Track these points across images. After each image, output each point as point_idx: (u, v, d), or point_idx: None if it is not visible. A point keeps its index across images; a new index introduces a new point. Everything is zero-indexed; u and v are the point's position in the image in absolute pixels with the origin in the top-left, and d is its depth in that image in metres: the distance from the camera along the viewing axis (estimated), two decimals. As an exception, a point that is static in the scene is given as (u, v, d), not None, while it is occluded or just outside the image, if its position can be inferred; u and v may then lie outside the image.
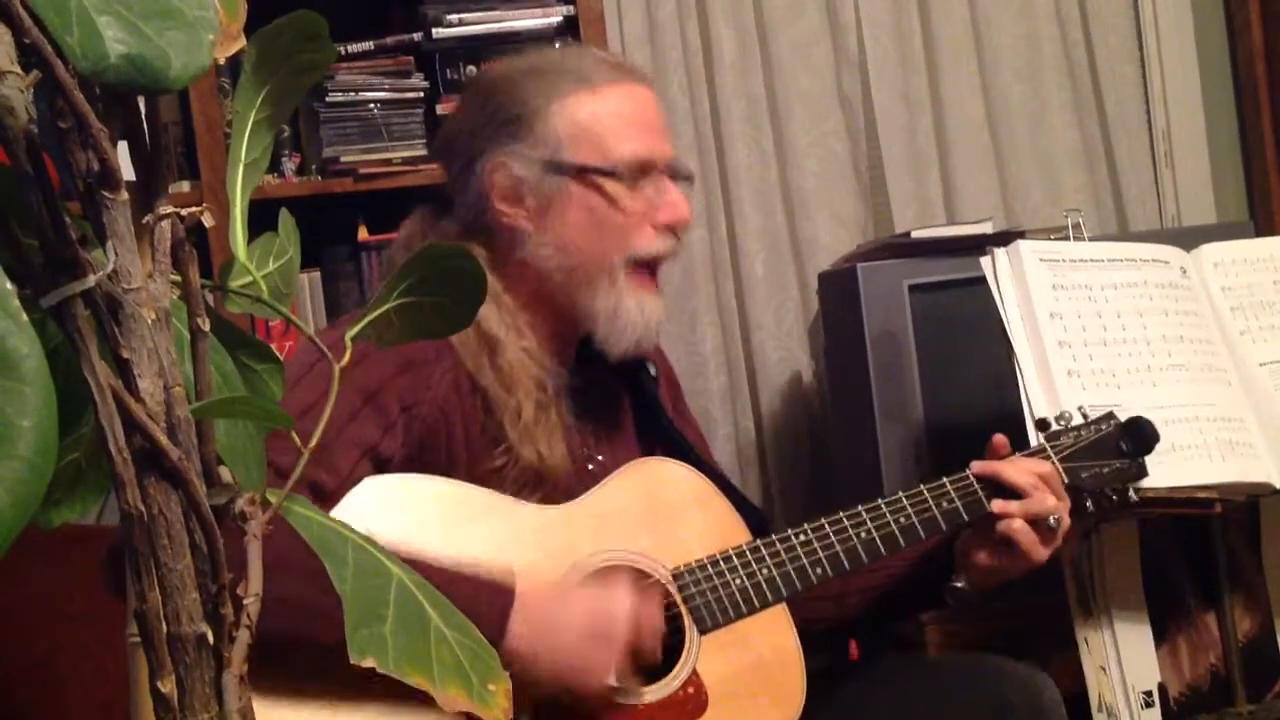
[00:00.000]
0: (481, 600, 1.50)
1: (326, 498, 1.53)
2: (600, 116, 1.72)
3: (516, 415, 1.66)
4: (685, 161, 1.86)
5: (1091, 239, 2.08)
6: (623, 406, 1.86)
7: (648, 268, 1.75)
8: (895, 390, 2.24)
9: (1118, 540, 2.01)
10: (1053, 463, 1.77)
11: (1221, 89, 3.07)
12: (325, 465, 1.54)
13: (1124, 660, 1.99)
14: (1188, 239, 2.12)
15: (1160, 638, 2.03)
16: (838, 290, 2.37)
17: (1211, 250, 2.08)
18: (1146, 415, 1.82)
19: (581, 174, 1.71)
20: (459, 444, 1.66)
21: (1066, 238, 2.06)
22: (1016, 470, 1.74)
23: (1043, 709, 1.72)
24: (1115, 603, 2.00)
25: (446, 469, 1.64)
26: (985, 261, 1.96)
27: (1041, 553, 1.73)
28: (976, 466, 1.76)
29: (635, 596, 1.57)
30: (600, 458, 1.77)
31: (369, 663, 0.66)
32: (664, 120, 1.82)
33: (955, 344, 2.24)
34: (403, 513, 1.58)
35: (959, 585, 1.80)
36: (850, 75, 2.84)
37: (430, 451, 1.64)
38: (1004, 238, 2.07)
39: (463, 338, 1.67)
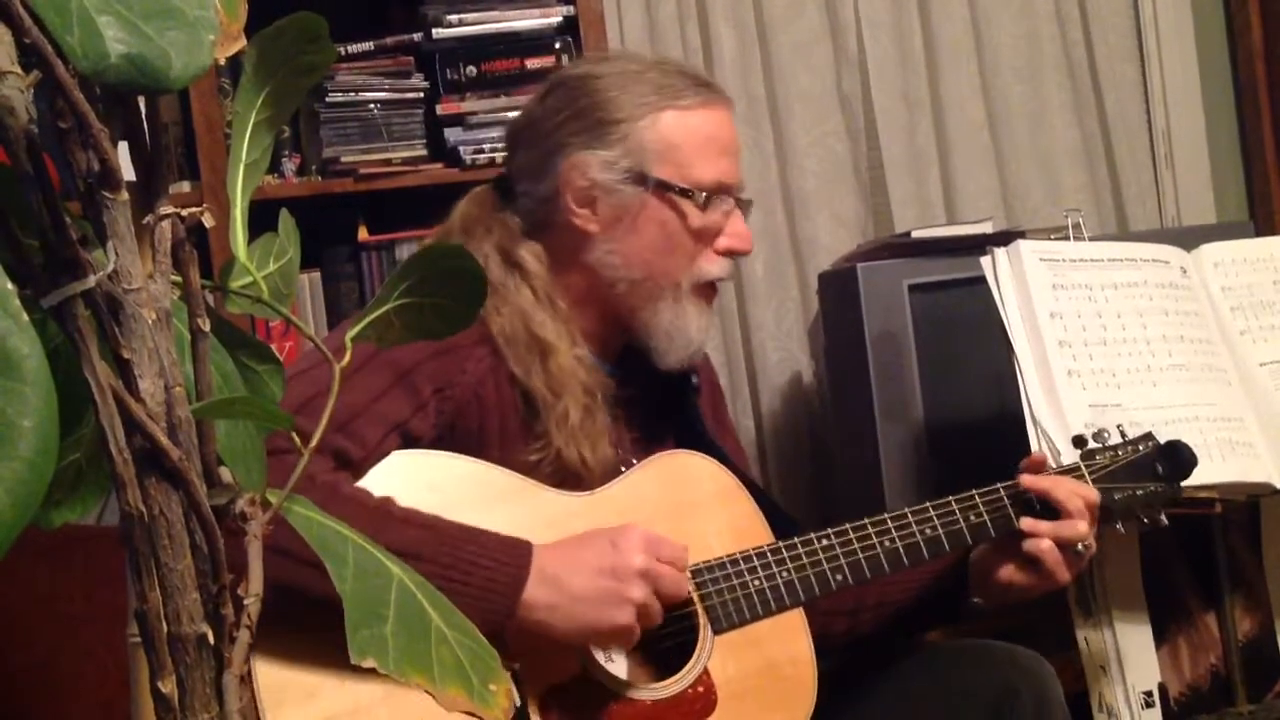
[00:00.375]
0: (501, 551, 1.50)
1: (354, 466, 1.54)
2: (689, 136, 1.73)
3: (564, 418, 1.67)
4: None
5: (1091, 239, 2.08)
6: (663, 414, 1.86)
7: (710, 288, 1.77)
8: (895, 390, 2.24)
9: (1118, 540, 2.01)
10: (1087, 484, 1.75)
11: (1221, 89, 3.07)
12: (352, 435, 1.55)
13: (1124, 660, 1.99)
14: (1188, 239, 2.12)
15: (1160, 638, 2.03)
16: (838, 290, 2.37)
17: (1211, 250, 2.08)
18: (1147, 415, 1.82)
19: (661, 189, 1.72)
20: (492, 432, 1.67)
21: (1066, 238, 2.06)
22: (1066, 492, 1.72)
23: (1047, 695, 1.72)
24: (1116, 603, 2.00)
25: (476, 452, 1.63)
26: (985, 261, 1.96)
27: (1065, 576, 1.72)
28: (1027, 480, 1.74)
29: (647, 535, 1.57)
30: (634, 462, 1.76)
31: (370, 663, 0.66)
32: (738, 145, 1.82)
33: (955, 344, 2.24)
34: (426, 488, 1.58)
35: (977, 601, 1.79)
36: (850, 75, 2.84)
37: (461, 434, 1.64)
38: (1004, 237, 2.07)
39: (510, 336, 1.68)
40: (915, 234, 2.35)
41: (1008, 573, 1.74)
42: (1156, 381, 1.93)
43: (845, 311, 2.31)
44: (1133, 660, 1.99)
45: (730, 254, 1.77)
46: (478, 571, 1.49)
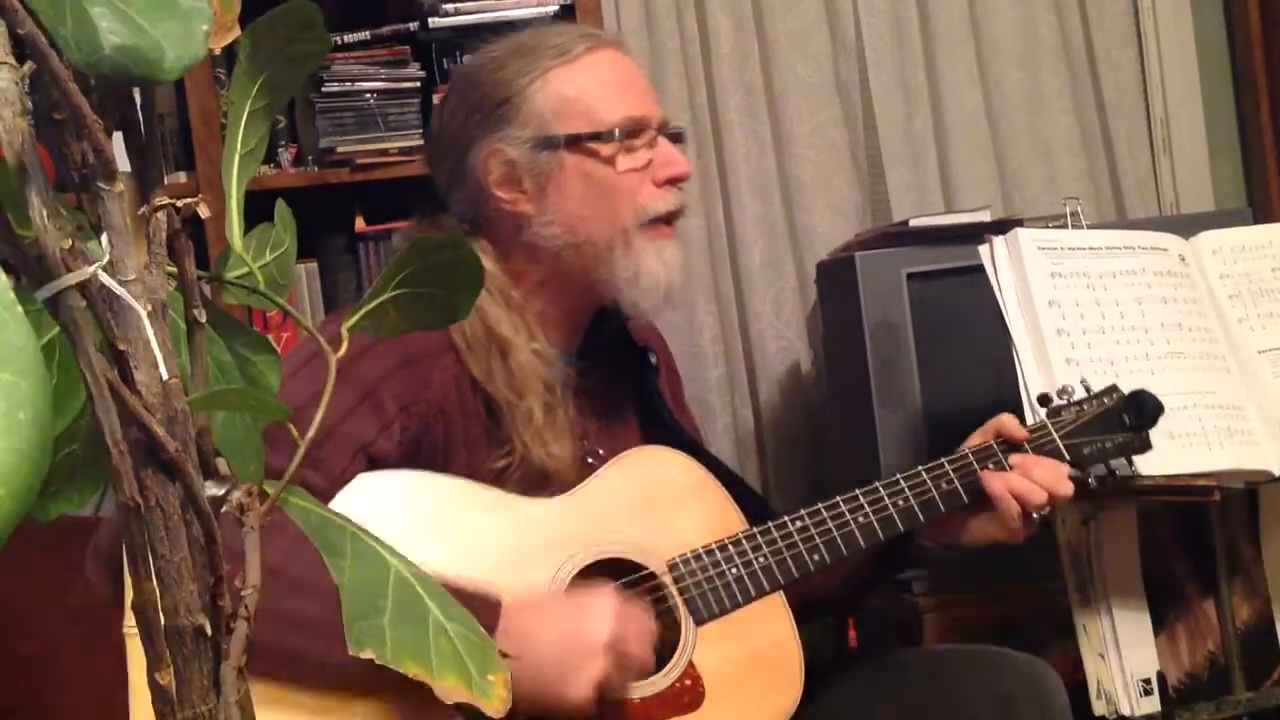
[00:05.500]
0: (469, 606, 1.49)
1: (318, 496, 1.52)
2: (583, 85, 1.72)
3: (527, 418, 1.65)
4: (676, 121, 1.86)
5: (1090, 227, 2.08)
6: (626, 399, 1.85)
7: (662, 224, 1.74)
8: (893, 379, 2.24)
9: (1116, 528, 2.01)
10: (1056, 443, 1.76)
11: (1220, 76, 3.07)
12: (318, 466, 1.52)
13: (1123, 648, 1.99)
14: (1186, 226, 2.12)
15: (1159, 626, 2.03)
16: (836, 279, 2.37)
17: (1210, 238, 2.08)
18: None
19: (574, 143, 1.70)
20: (458, 442, 1.65)
21: (1065, 225, 2.06)
22: (1040, 468, 1.72)
23: (1047, 700, 1.71)
24: (1114, 591, 2.00)
25: (442, 466, 1.62)
26: (983, 250, 1.96)
27: (1023, 533, 1.73)
28: (999, 479, 1.73)
29: (619, 605, 1.53)
30: (601, 451, 1.75)
31: (367, 654, 0.66)
32: (647, 82, 1.81)
33: (953, 332, 2.24)
34: (396, 510, 1.57)
35: (924, 544, 1.81)
36: (848, 64, 2.84)
37: (427, 449, 1.63)
38: (1002, 226, 2.07)
39: (471, 338, 1.66)
40: (913, 222, 2.35)
41: (968, 522, 1.75)
42: (1155, 369, 1.92)
43: (843, 300, 2.31)
44: (1131, 648, 1.99)
45: (671, 183, 1.75)
46: None
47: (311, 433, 0.70)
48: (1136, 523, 2.03)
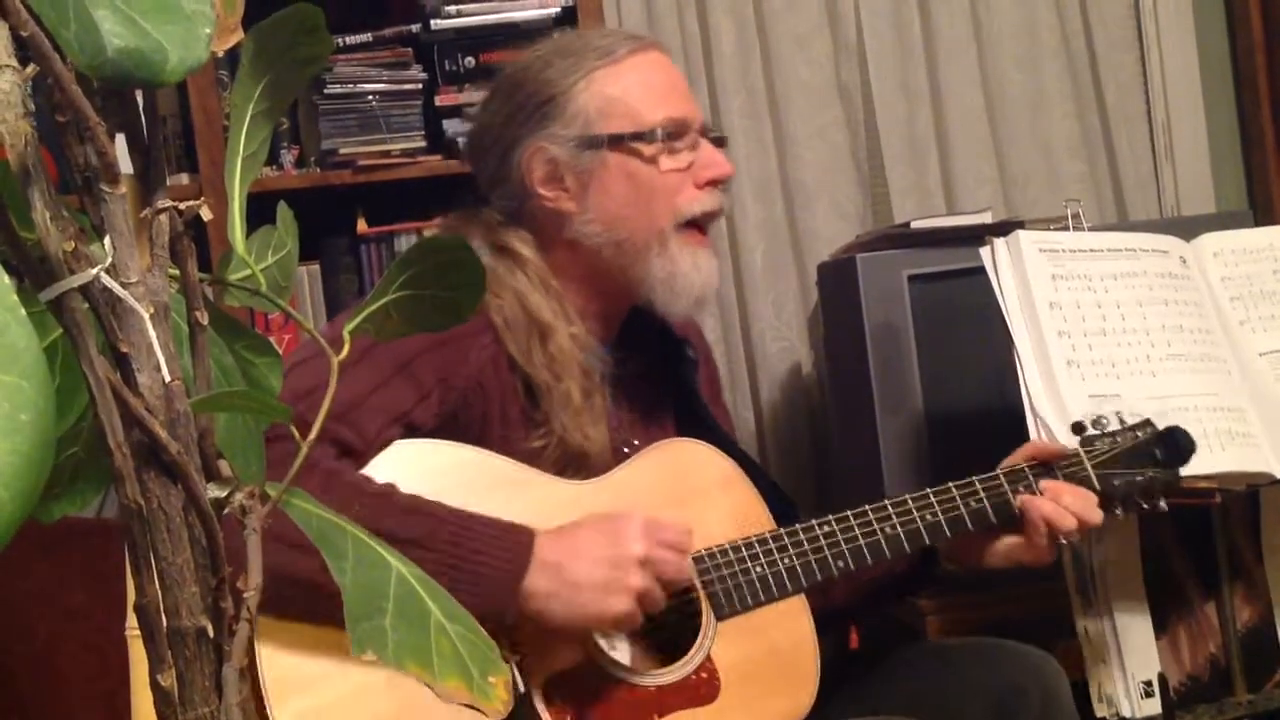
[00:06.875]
0: (502, 539, 1.51)
1: (355, 456, 1.55)
2: (628, 86, 1.74)
3: (566, 400, 1.67)
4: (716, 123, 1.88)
5: (1091, 229, 2.08)
6: (663, 393, 1.87)
7: (697, 226, 1.76)
8: (895, 381, 2.24)
9: (1117, 530, 2.01)
10: (1088, 472, 1.76)
11: (1221, 78, 3.07)
12: (353, 425, 1.56)
13: (1124, 650, 1.99)
14: (1187, 229, 2.11)
15: (1160, 627, 2.03)
16: (837, 281, 2.37)
17: (1211, 240, 2.08)
18: (1146, 405, 1.82)
19: (616, 143, 1.72)
20: (494, 420, 1.67)
21: (1066, 228, 2.06)
22: (1070, 495, 1.73)
23: (1053, 692, 1.72)
24: (1115, 592, 2.00)
25: (478, 441, 1.64)
26: (984, 252, 1.96)
27: (1050, 556, 1.74)
28: (1035, 501, 1.73)
29: (647, 522, 1.58)
30: (635, 441, 1.77)
31: (369, 656, 0.66)
32: (687, 85, 1.84)
33: (955, 334, 2.24)
34: (429, 476, 1.58)
35: (949, 567, 1.83)
36: (849, 66, 2.84)
37: (463, 424, 1.65)
38: (1003, 228, 2.07)
39: (510, 320, 1.68)
40: (914, 224, 2.35)
41: (993, 543, 1.76)
42: (1156, 371, 1.92)
43: (845, 302, 2.31)
44: (1132, 650, 1.99)
45: (713, 184, 1.76)
46: (478, 559, 1.49)
47: (328, 401, 0.70)
48: (1138, 524, 2.03)
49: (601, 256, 1.74)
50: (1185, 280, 2.02)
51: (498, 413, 1.67)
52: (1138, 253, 2.02)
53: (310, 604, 1.38)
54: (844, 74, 2.84)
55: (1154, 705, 1.98)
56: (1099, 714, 1.96)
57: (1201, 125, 3.04)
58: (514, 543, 1.51)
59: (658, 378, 1.87)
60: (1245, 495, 2.03)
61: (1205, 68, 3.04)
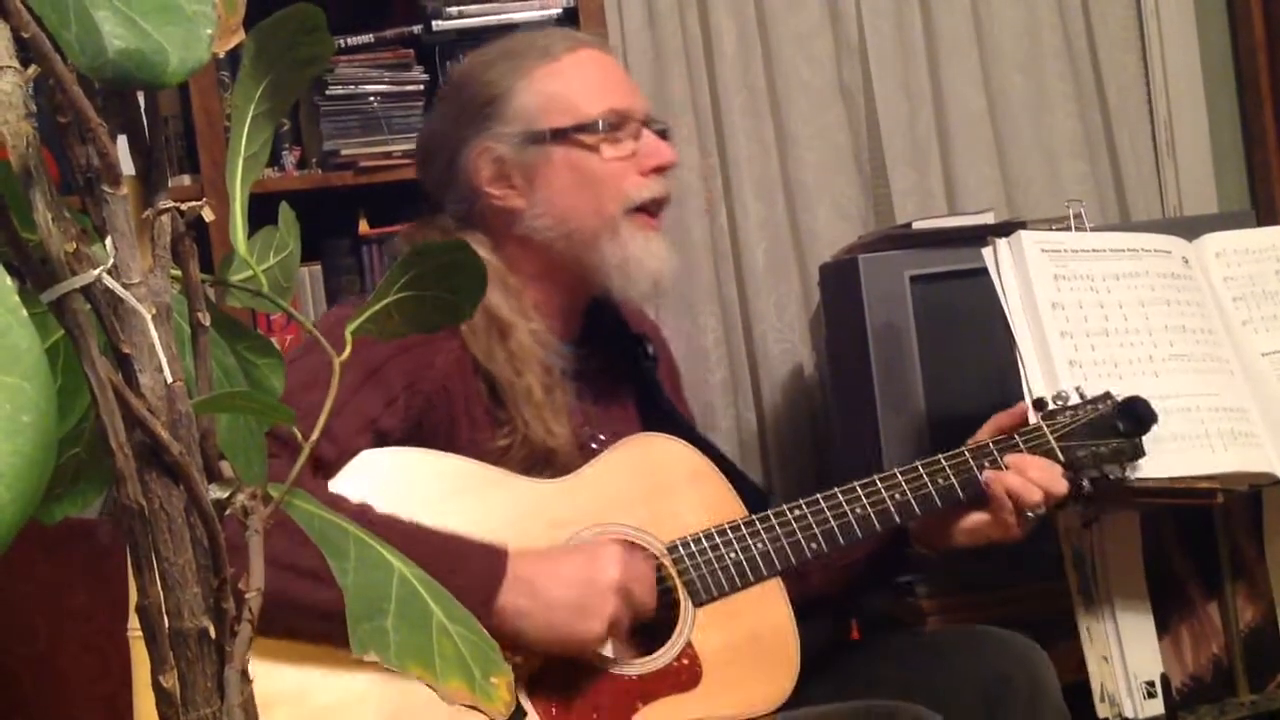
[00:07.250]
0: (476, 558, 1.53)
1: (326, 467, 1.56)
2: (568, 81, 1.78)
3: (528, 395, 1.70)
4: (678, 122, 1.91)
5: (1093, 229, 2.08)
6: (625, 387, 1.89)
7: (646, 211, 1.79)
8: (897, 381, 2.24)
9: (1119, 530, 2.01)
10: (1051, 444, 1.78)
11: (1223, 78, 3.07)
12: (326, 433, 1.55)
13: (1126, 650, 1.99)
14: (1189, 229, 2.11)
15: (1162, 628, 2.03)
16: (839, 281, 2.37)
17: (1213, 240, 2.08)
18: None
19: (559, 136, 1.76)
20: (461, 423, 1.69)
21: (1068, 228, 2.06)
22: (1035, 468, 1.75)
23: (1040, 679, 1.74)
24: (1117, 592, 2.00)
25: (446, 445, 1.66)
26: (987, 252, 1.96)
27: (1018, 532, 1.76)
28: (998, 475, 1.76)
29: (623, 552, 1.61)
30: (602, 437, 1.80)
31: (371, 657, 0.66)
32: (629, 80, 1.88)
33: (957, 335, 2.24)
34: (401, 486, 1.60)
35: (921, 551, 1.85)
36: (851, 66, 2.84)
37: (430, 428, 1.67)
38: (1005, 228, 2.07)
39: (473, 321, 1.70)
40: (916, 225, 2.34)
41: (960, 521, 1.78)
42: (1158, 372, 1.92)
43: (846, 303, 2.31)
44: (1135, 650, 1.99)
45: (657, 171, 1.79)
46: (451, 579, 1.49)
47: (327, 410, 0.70)
48: (1140, 525, 2.03)
49: (554, 250, 1.77)
50: (1188, 280, 2.02)
51: (463, 414, 1.70)
52: (1140, 253, 2.01)
53: (300, 625, 1.40)
54: (846, 74, 2.84)
55: (1157, 706, 1.98)
56: (1101, 714, 1.96)
57: (1204, 125, 3.04)
58: (488, 563, 1.53)
59: (620, 373, 1.90)
60: (1247, 495, 2.03)
61: (1207, 67, 3.04)
